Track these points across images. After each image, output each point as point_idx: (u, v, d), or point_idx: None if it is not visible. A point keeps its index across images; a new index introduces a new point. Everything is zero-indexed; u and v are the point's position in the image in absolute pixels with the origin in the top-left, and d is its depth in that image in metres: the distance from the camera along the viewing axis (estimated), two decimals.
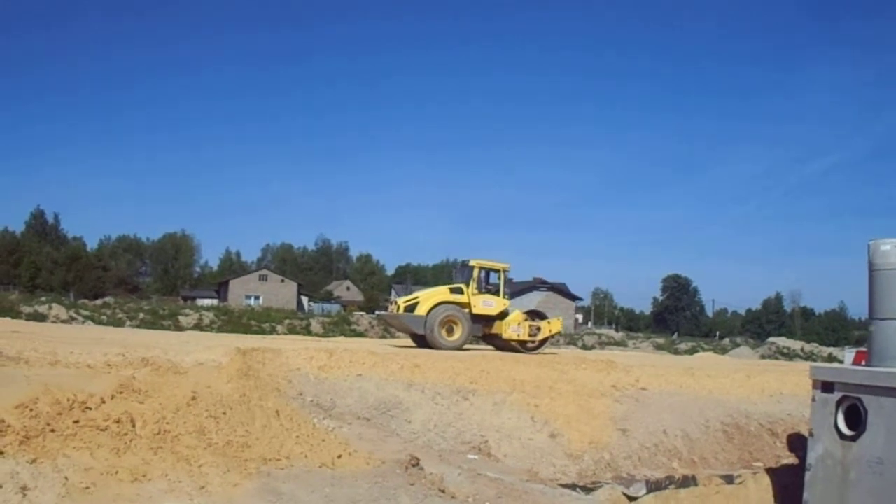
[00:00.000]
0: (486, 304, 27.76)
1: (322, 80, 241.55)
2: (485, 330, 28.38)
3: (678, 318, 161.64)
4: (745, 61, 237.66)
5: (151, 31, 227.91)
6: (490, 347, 29.33)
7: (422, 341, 27.19)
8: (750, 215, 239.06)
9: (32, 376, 12.01)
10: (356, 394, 17.46)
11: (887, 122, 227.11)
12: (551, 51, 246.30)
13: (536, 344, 28.63)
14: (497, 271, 28.53)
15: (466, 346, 27.52)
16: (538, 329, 28.57)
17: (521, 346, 28.06)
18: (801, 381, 20.15)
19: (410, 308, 27.21)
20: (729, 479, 18.28)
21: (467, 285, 27.61)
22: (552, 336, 30.29)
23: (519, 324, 28.19)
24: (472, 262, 28.08)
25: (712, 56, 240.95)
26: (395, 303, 28.65)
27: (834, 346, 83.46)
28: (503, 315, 28.16)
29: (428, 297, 27.49)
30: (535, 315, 29.57)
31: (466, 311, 27.34)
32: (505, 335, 27.97)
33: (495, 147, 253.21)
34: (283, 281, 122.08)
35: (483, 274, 28.29)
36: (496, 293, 28.14)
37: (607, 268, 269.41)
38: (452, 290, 27.76)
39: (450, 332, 26.86)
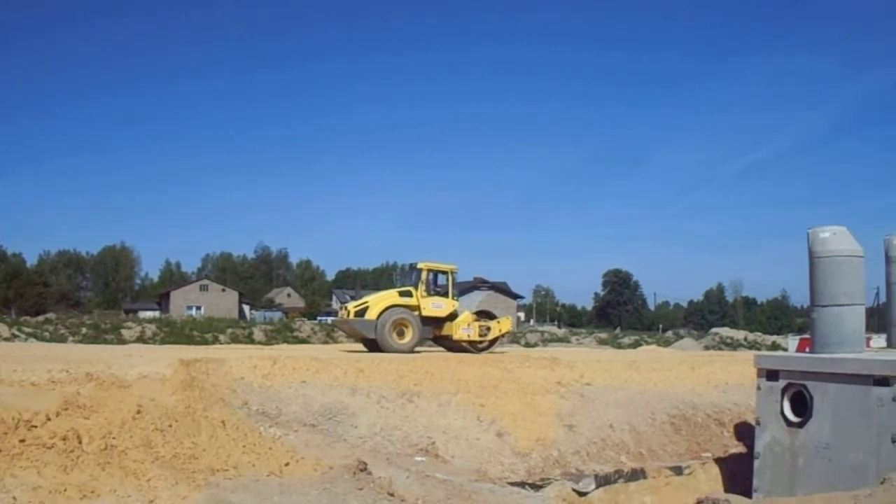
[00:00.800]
0: (436, 306, 27.90)
1: (254, 90, 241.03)
2: (435, 332, 28.49)
3: (620, 312, 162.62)
4: (685, 48, 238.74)
5: (85, 46, 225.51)
6: (439, 349, 29.44)
7: (373, 345, 27.13)
8: (689, 206, 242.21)
9: None
10: (301, 400, 17.44)
11: (826, 111, 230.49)
12: (486, 49, 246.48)
13: (487, 344, 28.88)
14: (445, 273, 28.66)
15: (417, 349, 27.55)
16: (488, 329, 28.84)
17: (471, 347, 28.28)
18: (746, 371, 20.40)
19: (360, 313, 27.19)
20: (678, 471, 18.43)
21: (416, 288, 27.72)
22: (502, 335, 30.49)
23: (469, 324, 28.39)
24: (419, 265, 28.18)
25: (652, 44, 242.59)
26: (346, 308, 28.67)
27: (777, 334, 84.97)
28: (453, 316, 28.33)
29: (377, 301, 27.49)
30: (484, 315, 29.83)
31: (416, 313, 27.43)
32: (455, 336, 28.15)
33: (432, 148, 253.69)
34: (223, 290, 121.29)
35: (431, 276, 28.39)
36: (445, 295, 28.30)
37: (547, 265, 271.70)
38: (401, 294, 27.83)
39: (400, 335, 26.90)
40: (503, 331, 30.11)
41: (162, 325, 64.03)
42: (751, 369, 18.19)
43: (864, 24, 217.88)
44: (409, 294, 27.68)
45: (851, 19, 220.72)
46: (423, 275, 27.92)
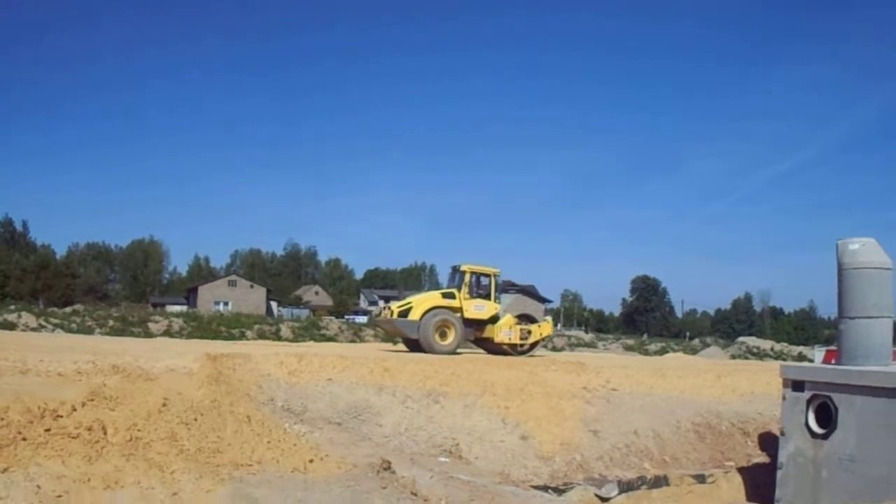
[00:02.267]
0: (478, 309, 27.92)
1: (289, 88, 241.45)
2: (476, 334, 28.46)
3: (648, 318, 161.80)
4: (714, 57, 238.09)
5: (119, 39, 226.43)
6: (481, 350, 29.43)
7: (415, 346, 27.25)
8: (717, 214, 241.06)
9: (3, 385, 11.96)
10: (327, 398, 17.45)
11: (856, 120, 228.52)
12: (516, 52, 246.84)
13: (527, 347, 28.86)
14: (488, 276, 28.61)
15: (459, 350, 27.54)
16: (529, 332, 28.79)
17: (512, 350, 28.26)
18: (772, 381, 20.33)
19: (404, 313, 27.24)
20: (701, 479, 18.40)
21: (459, 290, 27.76)
22: (543, 339, 30.52)
23: (510, 327, 28.38)
24: (463, 267, 28.21)
25: (681, 52, 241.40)
26: (389, 308, 28.73)
27: (804, 345, 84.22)
28: (494, 319, 28.32)
29: (421, 302, 27.56)
30: (525, 319, 29.81)
31: (458, 315, 27.43)
32: (497, 339, 28.14)
33: (462, 149, 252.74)
34: (252, 286, 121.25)
35: (474, 279, 28.36)
36: (487, 297, 28.27)
37: (576, 269, 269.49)
38: (445, 295, 27.90)
39: (443, 336, 26.91)
40: (544, 335, 30.12)
41: (189, 319, 64.14)
42: (776, 379, 18.13)
43: (889, 35, 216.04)
44: (451, 296, 27.73)
45: (876, 31, 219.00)
46: (467, 277, 27.92)
